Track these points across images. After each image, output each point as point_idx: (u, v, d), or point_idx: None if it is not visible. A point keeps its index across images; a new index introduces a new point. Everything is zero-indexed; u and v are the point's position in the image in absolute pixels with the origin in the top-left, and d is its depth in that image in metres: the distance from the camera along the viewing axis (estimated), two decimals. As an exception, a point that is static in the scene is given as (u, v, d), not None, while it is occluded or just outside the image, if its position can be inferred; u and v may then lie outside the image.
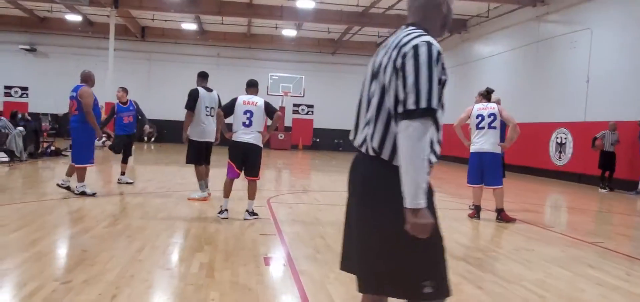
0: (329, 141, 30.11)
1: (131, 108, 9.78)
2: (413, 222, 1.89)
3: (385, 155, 2.05)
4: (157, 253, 4.68)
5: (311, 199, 9.05)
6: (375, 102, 2.09)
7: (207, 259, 4.55)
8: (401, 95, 1.94)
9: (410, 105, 1.90)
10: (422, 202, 1.89)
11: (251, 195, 6.62)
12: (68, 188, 7.84)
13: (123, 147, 9.73)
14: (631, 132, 13.25)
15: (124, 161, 9.75)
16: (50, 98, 25.59)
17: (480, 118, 7.35)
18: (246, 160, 6.51)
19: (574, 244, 6.17)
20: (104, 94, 22.75)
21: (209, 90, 8.15)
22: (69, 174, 7.94)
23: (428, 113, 1.89)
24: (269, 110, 6.67)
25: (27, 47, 27.67)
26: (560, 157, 16.37)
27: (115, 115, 9.84)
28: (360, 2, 20.36)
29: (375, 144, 2.07)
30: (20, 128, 13.03)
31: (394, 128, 2.02)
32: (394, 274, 2.04)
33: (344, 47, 28.24)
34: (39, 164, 12.97)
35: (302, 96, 28.41)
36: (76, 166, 7.77)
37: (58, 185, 7.90)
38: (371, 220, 2.06)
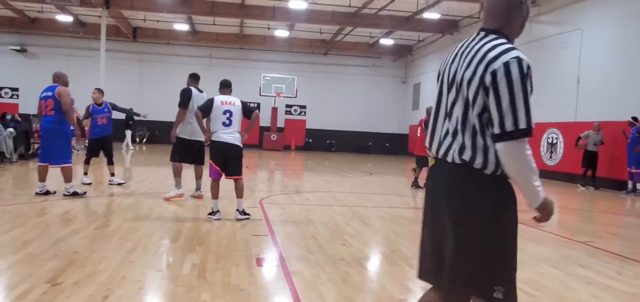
0: (322, 142, 30.13)
1: (106, 110, 9.72)
2: (542, 215, 2.08)
3: (477, 164, 2.05)
4: (148, 254, 4.66)
5: (303, 200, 9.04)
6: (459, 114, 2.09)
7: (199, 260, 4.53)
8: (496, 116, 1.95)
9: (509, 127, 1.93)
10: (541, 196, 2.03)
11: (239, 194, 6.61)
12: (47, 192, 7.76)
13: (98, 150, 9.69)
14: (619, 132, 13.33)
15: (110, 163, 9.67)
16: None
17: None
18: (228, 160, 6.50)
19: (565, 244, 6.22)
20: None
21: (200, 91, 8.17)
22: (43, 178, 7.79)
23: (527, 133, 1.95)
24: (247, 109, 6.73)
25: (18, 47, 27.46)
26: (551, 157, 16.48)
27: (89, 117, 9.81)
28: (352, 3, 20.38)
29: (466, 155, 2.05)
30: (11, 129, 12.93)
31: (481, 139, 2.04)
32: (476, 275, 2.08)
33: (336, 48, 28.26)
34: (29, 165, 12.87)
35: (295, 97, 28.41)
36: (60, 166, 7.71)
37: (36, 194, 7.75)
38: (462, 225, 2.08)
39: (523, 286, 4.22)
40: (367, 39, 27.65)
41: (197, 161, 8.25)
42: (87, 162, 9.62)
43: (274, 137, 28.05)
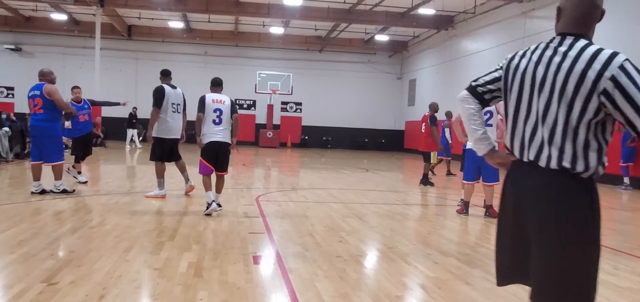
0: (318, 139, 30.13)
1: (86, 107, 9.73)
2: None
3: (577, 169, 2.04)
4: (145, 253, 4.65)
5: (300, 197, 9.05)
6: (558, 118, 2.06)
7: (196, 258, 4.53)
8: (633, 117, 1.95)
9: None
10: None
11: (220, 189, 6.92)
12: (43, 191, 7.76)
13: (83, 147, 9.72)
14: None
15: (79, 160, 9.65)
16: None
17: (488, 115, 7.35)
18: (218, 157, 6.82)
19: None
20: (93, 93, 22.56)
21: (174, 87, 8.18)
22: (37, 177, 7.80)
23: None
24: (232, 109, 6.99)
25: (12, 46, 27.33)
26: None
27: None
28: (347, -1, 20.38)
29: (566, 161, 2.04)
30: (6, 128, 12.87)
31: (585, 144, 2.03)
32: (570, 282, 2.08)
33: (332, 44, 28.25)
34: (25, 164, 12.82)
35: (290, 94, 28.39)
36: (52, 164, 7.76)
37: (32, 193, 7.74)
38: (560, 232, 2.06)
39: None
40: (363, 35, 27.64)
41: (174, 158, 8.30)
42: (77, 161, 9.62)
43: (270, 134, 28.03)
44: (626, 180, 12.81)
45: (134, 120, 22.76)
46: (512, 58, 2.30)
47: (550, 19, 14.65)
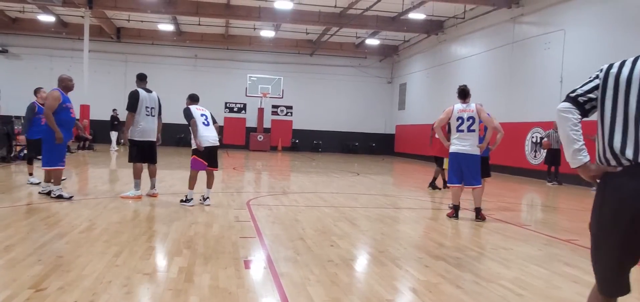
0: (309, 142, 30.13)
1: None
2: None
3: None
4: (135, 258, 4.61)
5: (291, 201, 9.03)
6: None
7: (186, 263, 4.50)
8: None
9: None
10: None
11: (210, 184, 7.86)
12: (49, 194, 7.86)
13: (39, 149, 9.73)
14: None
15: (31, 162, 9.86)
16: (22, 100, 25.02)
17: (460, 121, 7.42)
18: (211, 155, 7.80)
19: (550, 242, 6.28)
20: (81, 96, 22.39)
21: (149, 91, 8.36)
22: (46, 179, 8.01)
23: None
24: (213, 119, 8.04)
25: (-1, 48, 27.05)
26: (535, 156, 16.67)
27: (34, 116, 9.89)
28: (338, 3, 20.41)
29: None
30: (-8, 131, 12.70)
31: None
32: None
33: (323, 48, 28.29)
34: (12, 168, 12.67)
35: (281, 97, 28.38)
36: (45, 168, 7.85)
37: (40, 192, 7.99)
38: None
39: (509, 285, 4.26)
40: (353, 39, 27.72)
41: (150, 160, 8.45)
42: (30, 162, 9.88)
43: (260, 138, 27.98)
44: None
45: (116, 122, 22.51)
46: (610, 67, 2.38)
47: (538, 25, 14.88)
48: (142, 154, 8.22)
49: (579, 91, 2.48)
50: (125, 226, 6.02)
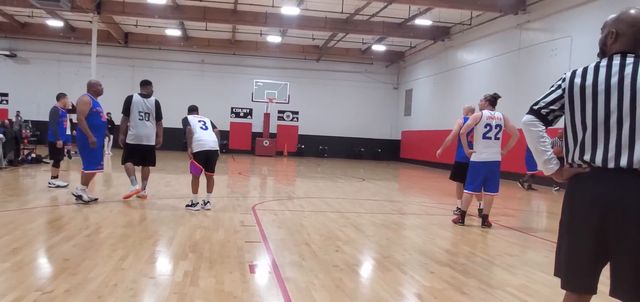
0: (314, 148, 30.14)
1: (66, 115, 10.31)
2: None
3: None
4: (140, 261, 4.63)
5: (296, 206, 9.03)
6: None
7: (192, 267, 4.51)
8: None
9: None
10: None
11: (210, 189, 7.91)
12: (96, 200, 8.09)
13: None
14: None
15: (58, 165, 10.11)
16: (30, 104, 25.23)
17: (488, 128, 7.35)
18: (208, 160, 7.80)
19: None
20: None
21: (146, 96, 8.57)
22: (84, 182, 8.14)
23: None
24: (213, 125, 8.06)
25: (7, 52, 27.27)
26: (542, 163, 16.60)
27: (59, 120, 10.18)
28: (344, 9, 20.44)
29: None
30: (0, 135, 12.80)
31: None
32: None
33: (329, 54, 28.33)
34: (19, 171, 12.76)
35: (287, 103, 28.42)
36: (83, 171, 7.97)
37: (73, 194, 8.07)
38: None
39: (515, 292, 4.24)
40: (360, 45, 27.74)
41: (144, 163, 8.64)
42: (57, 165, 10.02)
43: (266, 143, 28.02)
44: None
45: (110, 126, 22.53)
46: (573, 75, 2.50)
47: (545, 31, 14.83)
48: (133, 156, 8.44)
49: (541, 103, 2.62)
50: (132, 230, 6.05)
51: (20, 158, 14.23)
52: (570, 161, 2.53)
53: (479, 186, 7.47)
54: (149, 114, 8.49)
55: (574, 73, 2.51)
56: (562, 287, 2.57)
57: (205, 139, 7.71)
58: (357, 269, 4.90)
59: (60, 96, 10.35)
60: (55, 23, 24.52)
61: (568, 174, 2.54)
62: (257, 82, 27.99)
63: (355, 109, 30.41)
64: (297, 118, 30.14)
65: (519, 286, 4.42)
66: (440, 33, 23.24)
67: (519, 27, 18.22)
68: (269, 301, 3.80)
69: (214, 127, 8.02)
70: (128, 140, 8.45)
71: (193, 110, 8.32)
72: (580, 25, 15.33)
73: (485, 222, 7.43)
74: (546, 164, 2.59)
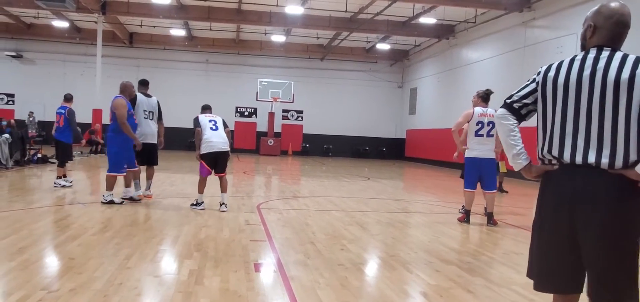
0: (319, 147, 30.12)
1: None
2: None
3: (631, 162, 2.20)
4: (145, 260, 4.64)
5: (301, 205, 9.03)
6: (621, 118, 2.21)
7: (197, 266, 4.51)
8: None
9: None
10: None
11: (224, 189, 7.80)
12: (131, 199, 8.15)
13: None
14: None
15: (63, 165, 10.21)
16: (36, 105, 25.34)
17: (480, 125, 7.34)
18: (217, 162, 7.76)
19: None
20: (94, 100, 22.63)
21: (148, 96, 8.69)
22: (127, 184, 8.20)
23: None
24: (224, 124, 7.99)
25: (13, 53, 27.38)
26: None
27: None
28: (348, 8, 20.42)
29: (630, 158, 2.20)
30: (6, 135, 12.87)
31: (635, 140, 2.20)
32: (629, 287, 2.26)
33: (333, 53, 28.30)
34: (25, 171, 12.82)
35: (292, 102, 28.42)
36: (107, 174, 7.95)
37: (122, 198, 8.06)
38: (622, 233, 2.22)
39: (521, 290, 4.22)
40: (364, 44, 27.70)
41: (149, 162, 8.71)
42: (62, 165, 10.13)
43: (271, 142, 28.03)
44: None
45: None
46: (548, 69, 2.45)
47: (550, 29, 14.78)
48: (141, 156, 8.43)
49: (515, 97, 2.58)
50: (137, 229, 6.06)
51: (26, 158, 14.29)
52: (539, 156, 2.48)
53: (475, 183, 7.45)
54: (152, 113, 8.62)
55: (549, 67, 2.46)
56: (535, 288, 2.51)
57: (214, 140, 7.62)
58: (363, 268, 4.89)
59: (71, 97, 10.45)
60: (61, 24, 24.62)
61: (537, 171, 2.50)
62: (262, 81, 28.00)
63: (360, 108, 30.37)
64: (302, 117, 30.13)
65: (525, 284, 4.39)
66: (444, 31, 23.17)
67: (524, 25, 18.14)
68: (274, 299, 3.80)
69: (225, 126, 7.96)
70: None
71: (206, 109, 8.27)
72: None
73: (491, 220, 7.41)
74: (515, 158, 2.55)
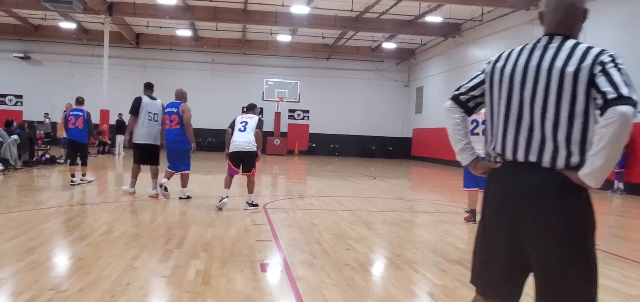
0: (325, 146, 30.13)
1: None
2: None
3: (573, 163, 2.00)
4: (153, 260, 4.67)
5: (307, 205, 9.04)
6: (563, 114, 2.01)
7: (204, 266, 4.53)
8: (609, 88, 1.91)
9: (625, 93, 1.89)
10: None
11: (250, 189, 8.04)
12: (188, 198, 8.65)
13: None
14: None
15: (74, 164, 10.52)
16: (44, 106, 25.50)
17: (475, 124, 7.33)
18: (242, 161, 7.95)
19: (570, 247, 6.18)
20: (101, 101, 22.75)
21: (153, 98, 9.02)
22: (167, 176, 8.57)
23: (636, 105, 1.92)
24: (258, 125, 8.13)
25: (21, 55, 27.59)
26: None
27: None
28: (354, 7, 20.41)
29: (572, 158, 2.00)
30: (15, 136, 12.96)
31: (581, 135, 1.99)
32: (580, 276, 2.05)
33: (339, 52, 28.30)
34: (34, 172, 12.92)
35: (298, 101, 28.44)
36: (181, 173, 8.66)
37: (180, 197, 8.58)
38: (573, 228, 2.02)
39: (527, 290, 4.20)
40: (370, 43, 27.68)
41: (151, 162, 8.97)
42: (73, 164, 10.43)
43: (277, 142, 28.06)
44: (619, 185, 13.19)
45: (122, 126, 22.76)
46: (497, 60, 2.28)
47: (557, 26, 14.17)
48: (142, 155, 8.84)
49: (462, 89, 2.41)
50: (144, 229, 6.10)
51: (34, 159, 14.39)
52: (485, 151, 2.33)
53: (473, 181, 7.41)
54: (157, 115, 8.88)
55: (499, 57, 2.28)
56: (478, 293, 2.36)
57: (238, 140, 7.88)
58: (369, 268, 4.89)
59: (84, 100, 10.82)
60: (68, 25, 24.78)
61: (483, 168, 2.33)
62: (268, 81, 28.04)
63: (366, 107, 30.34)
64: (308, 117, 30.13)
65: (530, 284, 4.37)
66: (451, 30, 23.11)
67: (530, 23, 18.03)
68: (280, 299, 3.81)
69: (258, 127, 8.07)
70: (137, 140, 8.81)
71: (250, 108, 8.50)
72: (593, 20, 14.99)
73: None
74: (461, 153, 2.40)
